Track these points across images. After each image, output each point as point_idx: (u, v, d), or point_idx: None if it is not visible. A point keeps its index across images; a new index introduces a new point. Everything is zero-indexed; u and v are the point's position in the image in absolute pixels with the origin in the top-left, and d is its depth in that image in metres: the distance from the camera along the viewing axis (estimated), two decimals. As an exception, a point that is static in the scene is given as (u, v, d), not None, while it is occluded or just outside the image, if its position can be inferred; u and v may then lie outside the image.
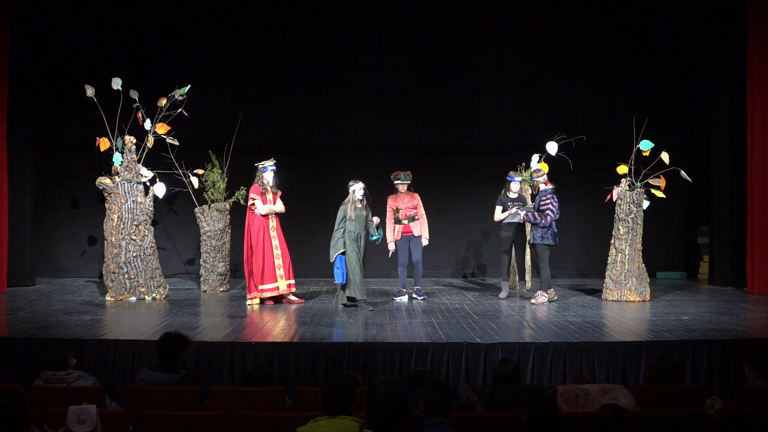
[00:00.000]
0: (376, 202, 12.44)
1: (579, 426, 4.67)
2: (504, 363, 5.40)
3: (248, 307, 9.20)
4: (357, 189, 9.16)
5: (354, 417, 3.99)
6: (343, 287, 9.09)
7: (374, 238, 9.22)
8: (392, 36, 12.08)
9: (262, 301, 9.29)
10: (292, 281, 9.49)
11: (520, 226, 9.96)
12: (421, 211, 9.91)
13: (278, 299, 9.40)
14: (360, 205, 9.14)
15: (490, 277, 12.34)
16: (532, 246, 9.53)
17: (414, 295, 9.84)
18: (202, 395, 5.31)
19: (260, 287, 9.25)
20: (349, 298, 9.08)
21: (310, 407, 4.87)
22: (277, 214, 9.48)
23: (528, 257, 10.52)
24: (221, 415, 4.70)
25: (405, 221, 9.81)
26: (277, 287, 9.32)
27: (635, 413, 4.74)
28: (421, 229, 9.86)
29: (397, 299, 9.73)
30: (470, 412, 4.93)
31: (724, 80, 11.33)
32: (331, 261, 9.09)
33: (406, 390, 3.97)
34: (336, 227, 9.11)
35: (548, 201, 9.32)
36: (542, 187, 9.53)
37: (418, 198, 9.93)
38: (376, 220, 9.24)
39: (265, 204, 9.34)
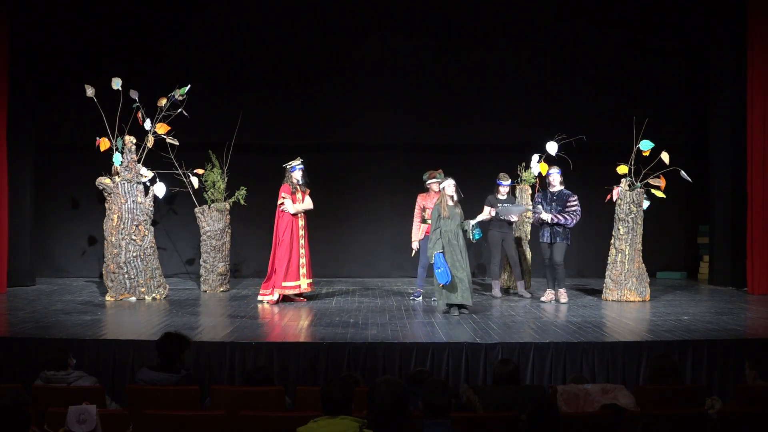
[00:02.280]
0: (374, 202, 12.53)
1: (579, 426, 4.67)
2: (504, 363, 5.40)
3: (259, 303, 9.35)
4: (447, 186, 8.77)
5: (354, 417, 3.98)
6: (447, 287, 8.53)
7: (474, 237, 8.74)
8: (393, 36, 12.08)
9: (265, 300, 9.37)
10: (311, 280, 9.63)
11: (508, 226, 10.00)
12: None
13: (284, 299, 9.48)
14: (452, 203, 8.72)
15: (490, 277, 12.32)
16: (550, 245, 9.53)
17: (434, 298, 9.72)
18: (202, 395, 5.31)
19: (283, 284, 9.35)
20: (448, 304, 8.56)
21: (310, 407, 4.87)
22: (306, 213, 9.58)
23: (529, 256, 10.53)
24: (221, 415, 4.70)
25: (429, 221, 9.60)
26: (299, 285, 9.46)
27: (635, 413, 4.75)
28: None
29: (417, 299, 9.72)
30: (470, 413, 4.93)
31: (724, 80, 11.32)
32: (430, 262, 8.69)
33: (407, 390, 3.97)
34: (433, 228, 8.68)
35: (576, 202, 9.49)
36: (559, 187, 9.58)
37: None
38: (480, 217, 9.00)
39: (295, 203, 9.42)
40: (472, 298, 8.56)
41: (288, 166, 9.55)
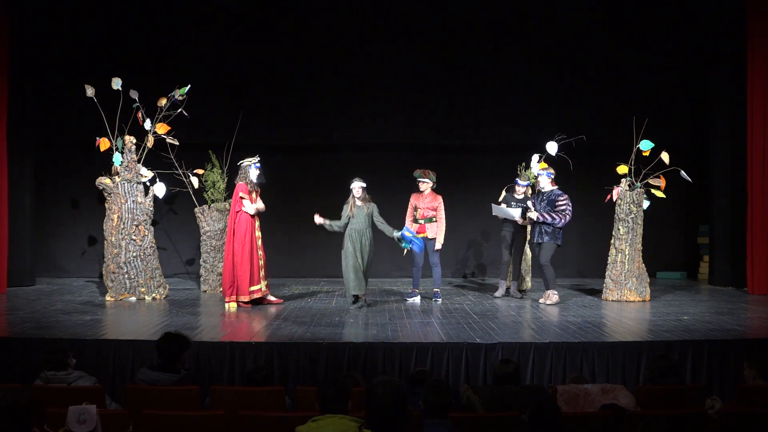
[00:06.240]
0: (374, 202, 12.50)
1: (579, 426, 4.67)
2: (504, 363, 5.40)
3: (226, 308, 8.98)
4: (355, 188, 9.29)
5: (353, 417, 3.98)
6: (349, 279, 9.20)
7: (405, 246, 9.29)
8: (393, 36, 12.08)
9: (239, 304, 9.03)
10: (267, 281, 9.33)
11: (519, 226, 9.96)
12: (441, 214, 9.69)
13: (257, 302, 9.18)
14: (360, 203, 9.21)
15: (490, 277, 12.34)
16: (538, 245, 9.53)
17: (434, 298, 9.71)
18: (202, 395, 5.31)
19: (250, 289, 9.02)
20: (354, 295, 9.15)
21: (310, 407, 4.86)
22: (259, 214, 9.27)
23: (528, 257, 10.52)
24: (221, 415, 4.70)
25: (421, 221, 9.62)
26: (260, 288, 9.14)
27: (635, 413, 4.74)
28: (436, 231, 9.68)
29: (410, 300, 9.69)
30: (470, 413, 4.93)
31: (723, 80, 11.33)
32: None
33: (405, 390, 3.96)
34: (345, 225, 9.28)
35: (566, 202, 9.42)
36: (549, 187, 9.56)
37: (440, 200, 9.74)
38: (396, 234, 9.23)
39: (253, 203, 9.15)
40: (361, 289, 9.12)
41: (246, 164, 9.17)
